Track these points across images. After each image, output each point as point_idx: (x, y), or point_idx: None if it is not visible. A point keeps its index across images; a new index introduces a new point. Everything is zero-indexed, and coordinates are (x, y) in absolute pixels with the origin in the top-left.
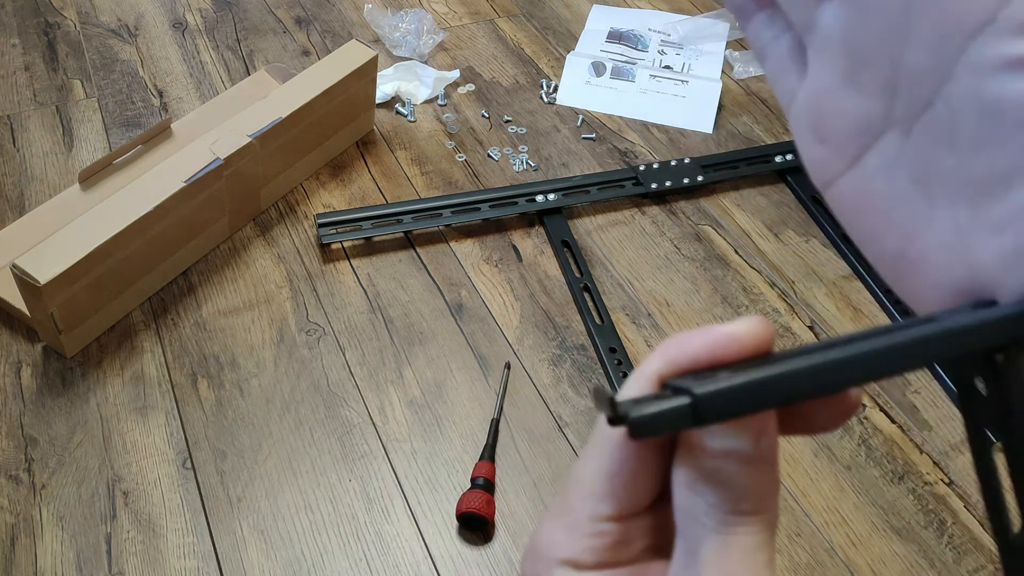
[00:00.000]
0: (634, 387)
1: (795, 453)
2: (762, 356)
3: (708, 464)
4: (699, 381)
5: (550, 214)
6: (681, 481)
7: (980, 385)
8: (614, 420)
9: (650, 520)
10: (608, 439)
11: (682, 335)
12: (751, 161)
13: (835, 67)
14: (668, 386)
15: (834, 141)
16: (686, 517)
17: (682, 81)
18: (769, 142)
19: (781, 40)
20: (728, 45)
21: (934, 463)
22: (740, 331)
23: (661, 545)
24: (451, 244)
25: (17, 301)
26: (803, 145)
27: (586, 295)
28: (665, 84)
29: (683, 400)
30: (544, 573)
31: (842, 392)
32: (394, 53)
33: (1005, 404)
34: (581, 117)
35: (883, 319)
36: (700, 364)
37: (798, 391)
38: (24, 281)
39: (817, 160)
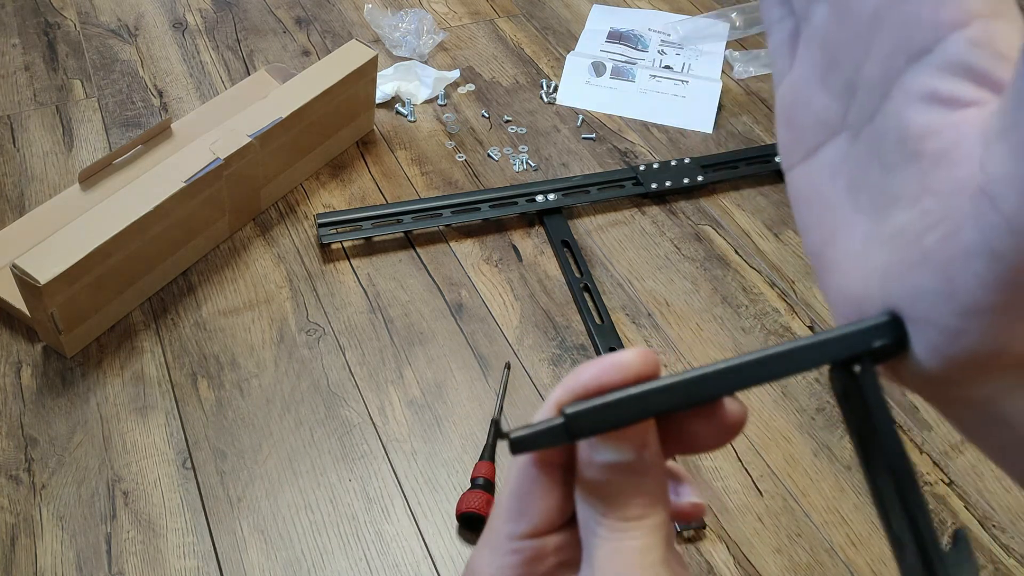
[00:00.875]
0: (541, 416)
1: (795, 453)
2: (645, 380)
3: (596, 477)
4: (579, 402)
5: (550, 214)
6: (578, 496)
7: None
8: (501, 437)
9: (565, 537)
10: (517, 464)
11: (581, 366)
12: (751, 161)
13: (813, 61)
14: (561, 411)
15: (798, 130)
16: (584, 528)
17: (682, 81)
18: (769, 142)
19: (785, 23)
20: (728, 45)
21: (934, 463)
22: (625, 360)
23: (574, 560)
24: (451, 244)
25: (17, 301)
26: (778, 127)
27: (586, 295)
28: (665, 84)
29: (558, 420)
30: None
31: (712, 407)
32: (394, 53)
33: (862, 413)
34: (581, 117)
35: None
36: (590, 391)
37: (658, 404)
38: (24, 281)
39: (783, 143)
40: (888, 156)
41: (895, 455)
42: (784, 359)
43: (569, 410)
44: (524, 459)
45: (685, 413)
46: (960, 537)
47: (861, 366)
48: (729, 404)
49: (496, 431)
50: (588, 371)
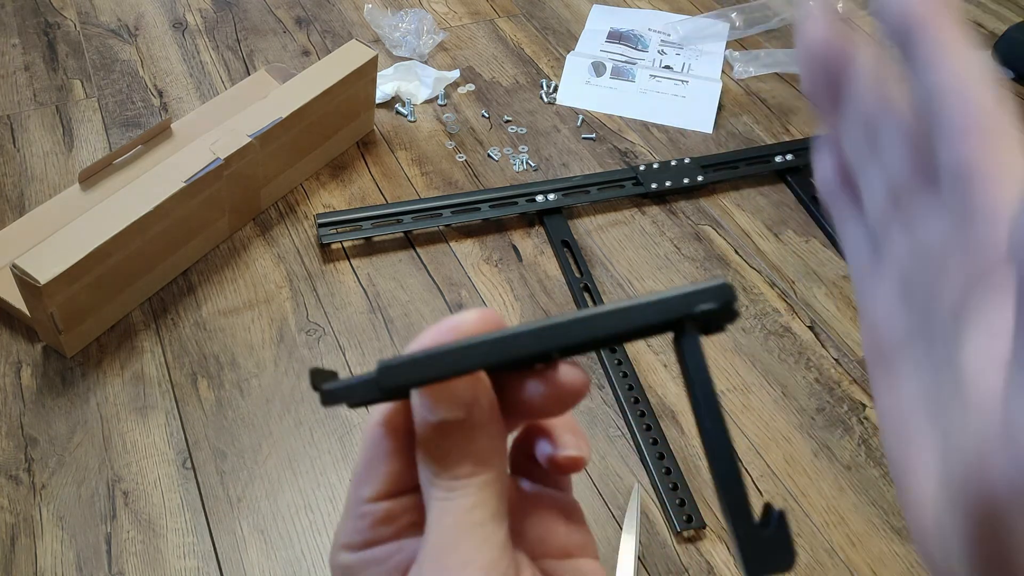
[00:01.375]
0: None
1: (795, 453)
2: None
3: (428, 436)
4: (397, 357)
5: (550, 214)
6: (417, 456)
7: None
8: (314, 389)
9: (414, 499)
10: (367, 430)
11: (425, 330)
12: (751, 161)
13: (894, 279)
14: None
15: (883, 344)
16: (423, 489)
17: (682, 81)
18: (769, 142)
19: (859, 230)
20: (728, 45)
21: None
22: (462, 321)
23: (423, 521)
24: (451, 244)
25: (17, 301)
26: (862, 333)
27: (586, 295)
28: (665, 84)
29: (372, 373)
30: (333, 559)
31: (545, 370)
32: (394, 53)
33: (686, 377)
34: (581, 117)
35: None
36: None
37: (477, 359)
38: (24, 281)
39: (866, 347)
40: (949, 389)
41: (711, 428)
42: (611, 317)
43: (383, 362)
44: (372, 424)
45: (521, 376)
46: (777, 517)
47: (684, 333)
48: (565, 370)
49: (312, 381)
50: (426, 335)
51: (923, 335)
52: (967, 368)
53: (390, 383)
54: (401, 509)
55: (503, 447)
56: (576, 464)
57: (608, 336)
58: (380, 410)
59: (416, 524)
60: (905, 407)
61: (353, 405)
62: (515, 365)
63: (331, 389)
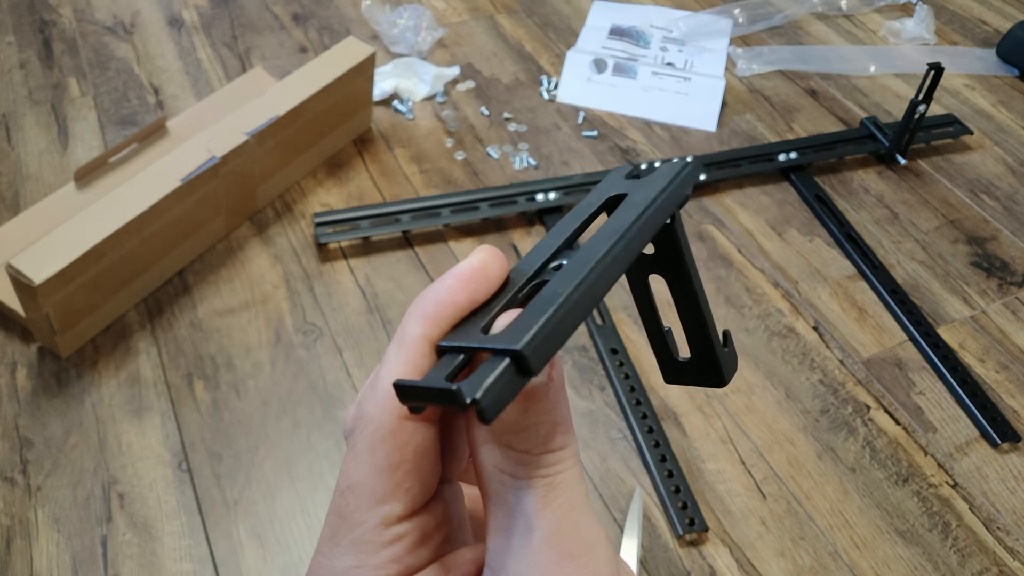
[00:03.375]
0: (400, 358)
1: (799, 456)
2: (502, 286)
3: (508, 412)
4: (473, 335)
5: (550, 213)
6: (485, 439)
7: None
8: (463, 407)
9: (444, 508)
10: (379, 434)
11: (429, 291)
12: (754, 159)
13: None
14: (445, 350)
15: None
16: (498, 476)
17: (684, 78)
18: (772, 140)
19: None
20: (731, 42)
21: (939, 465)
22: (484, 264)
23: (453, 531)
24: (450, 243)
25: (12, 301)
26: None
27: None
28: (667, 81)
29: (504, 361)
30: None
31: None
32: (392, 50)
33: (675, 251)
34: (582, 114)
35: (887, 319)
36: (464, 312)
37: (587, 309)
38: (19, 281)
39: None
40: None
41: (701, 290)
42: (640, 229)
43: (523, 345)
44: (390, 420)
45: None
46: (728, 336)
47: (675, 219)
48: None
49: (458, 402)
50: (451, 290)
51: None
52: None
53: (536, 364)
54: (435, 522)
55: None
56: None
57: (642, 246)
58: (397, 402)
59: (449, 539)
60: None
61: (497, 412)
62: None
63: (489, 399)
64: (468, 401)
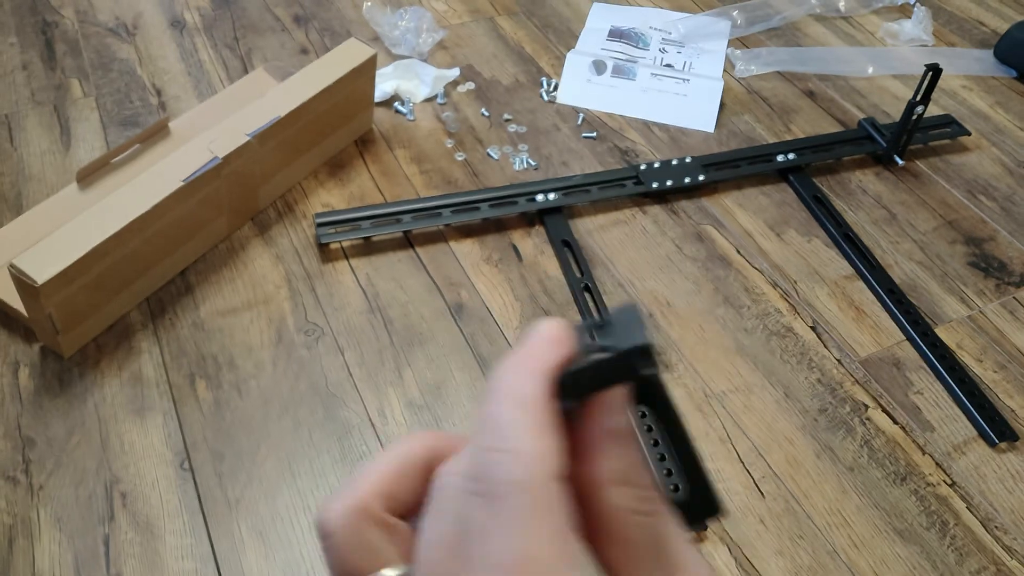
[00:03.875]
0: (525, 415)
1: (798, 455)
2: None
3: (631, 449)
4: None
5: (550, 213)
6: (610, 479)
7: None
8: (632, 373)
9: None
10: (542, 497)
11: (516, 360)
12: (753, 160)
13: None
14: (574, 376)
15: None
16: (624, 518)
17: (683, 80)
18: (771, 141)
19: None
20: (730, 43)
21: (936, 464)
22: (559, 327)
23: None
24: (451, 244)
25: (15, 301)
26: None
27: (587, 295)
28: (666, 83)
29: (619, 357)
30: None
31: None
32: (393, 51)
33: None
34: (582, 116)
35: (885, 319)
36: (571, 358)
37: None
38: (21, 281)
39: None
40: None
41: (684, 431)
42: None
43: (643, 343)
44: (552, 482)
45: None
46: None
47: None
48: None
49: (646, 355)
50: (555, 351)
51: None
52: None
53: (647, 370)
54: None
55: None
56: None
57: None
58: (555, 459)
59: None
60: None
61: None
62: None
63: (650, 368)
64: (645, 363)
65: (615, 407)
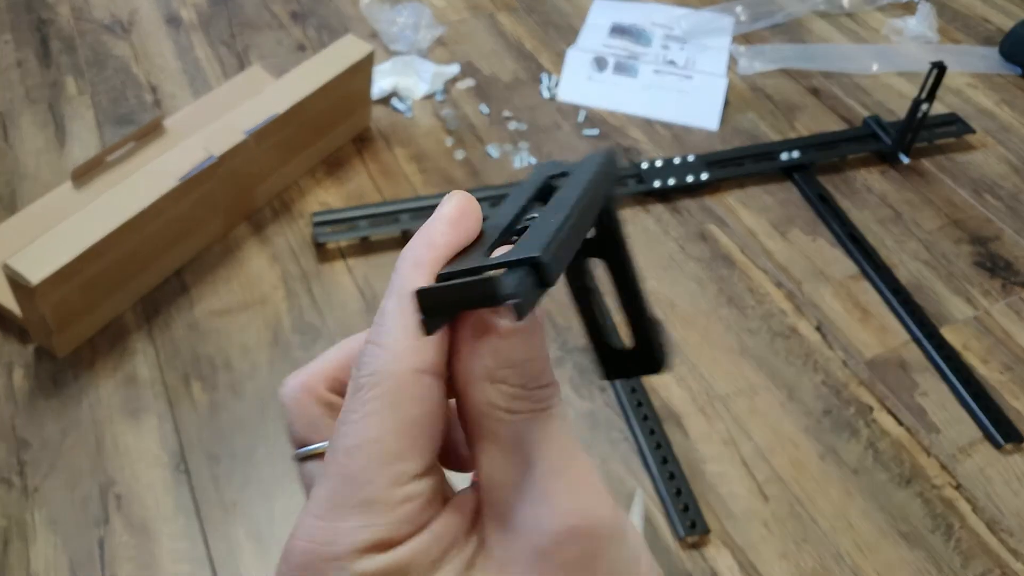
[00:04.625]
0: (402, 310)
1: (802, 458)
2: (478, 237)
3: (504, 347)
4: (477, 261)
5: None
6: (479, 375)
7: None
8: (496, 299)
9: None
10: (396, 389)
11: (416, 239)
12: (757, 158)
13: None
14: (450, 276)
15: None
16: (493, 413)
17: (686, 76)
18: (775, 139)
19: None
20: (733, 40)
21: (942, 466)
22: (466, 204)
23: (446, 492)
24: None
25: (9, 301)
26: None
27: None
28: (669, 80)
29: (525, 268)
30: (339, 571)
31: None
32: (391, 48)
33: (613, 233)
34: (583, 113)
35: (890, 320)
36: (454, 253)
37: (584, 230)
38: (15, 281)
39: None
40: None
41: (637, 277)
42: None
43: (539, 253)
44: (412, 373)
45: None
46: (658, 323)
47: (610, 198)
48: None
49: (488, 290)
50: (441, 234)
51: None
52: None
53: (555, 272)
54: (441, 480)
55: None
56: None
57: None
58: (415, 355)
59: (444, 498)
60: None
61: (526, 311)
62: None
63: (520, 293)
64: (506, 293)
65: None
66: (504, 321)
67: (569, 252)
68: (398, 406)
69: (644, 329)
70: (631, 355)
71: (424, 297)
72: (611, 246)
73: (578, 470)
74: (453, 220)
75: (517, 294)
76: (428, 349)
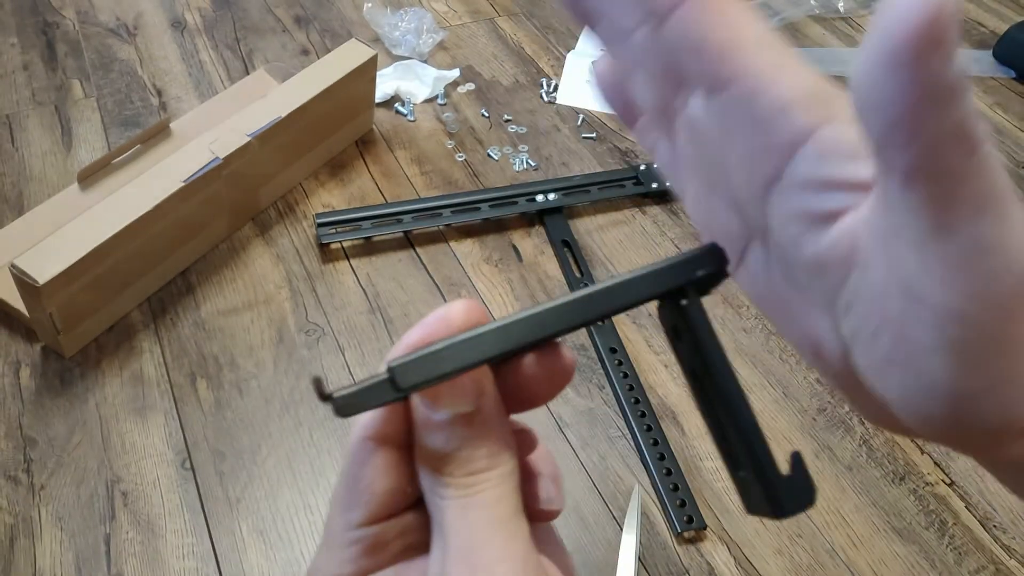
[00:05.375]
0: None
1: None
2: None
3: (435, 435)
4: (406, 354)
5: (550, 214)
6: (419, 462)
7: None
8: (324, 399)
9: (409, 520)
10: (350, 448)
11: (413, 326)
12: None
13: (699, 180)
14: (386, 364)
15: (719, 238)
16: (430, 496)
17: None
18: None
19: (663, 145)
20: None
21: (935, 463)
22: (450, 312)
23: (422, 541)
24: (451, 244)
25: (16, 301)
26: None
27: None
28: None
29: (382, 374)
30: None
31: (548, 352)
32: (393, 52)
33: (693, 346)
34: (582, 116)
35: None
36: (417, 348)
37: (490, 347)
38: (23, 281)
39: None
40: (797, 274)
41: (729, 385)
42: (610, 294)
43: (395, 361)
44: (357, 439)
45: (516, 364)
46: (796, 460)
47: (688, 299)
48: (561, 352)
49: (318, 392)
50: (414, 332)
51: (748, 225)
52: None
53: (407, 383)
54: (395, 532)
55: (512, 438)
56: (553, 517)
57: (611, 312)
58: (364, 423)
59: (412, 547)
60: (776, 290)
61: (364, 410)
62: (523, 351)
63: (344, 397)
64: (327, 395)
65: (447, 396)
66: (432, 413)
67: (445, 367)
68: (347, 467)
69: (758, 462)
70: (772, 482)
71: (315, 384)
72: (697, 357)
73: (482, 558)
74: (425, 323)
75: (337, 401)
76: (376, 420)
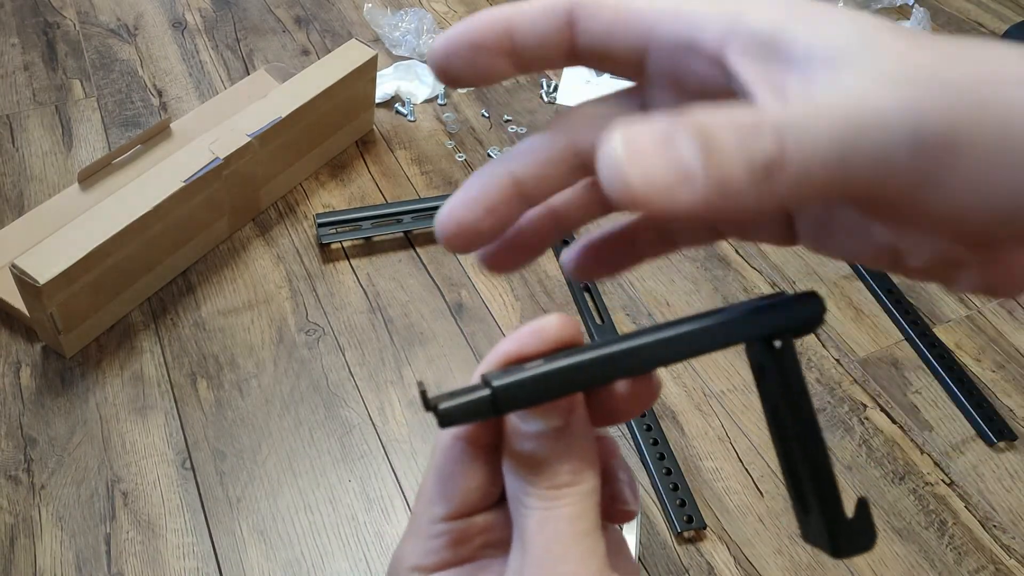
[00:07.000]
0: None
1: None
2: (570, 348)
3: (525, 447)
4: (505, 373)
5: None
6: (506, 468)
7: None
8: (428, 409)
9: (492, 517)
10: (439, 444)
11: (504, 338)
12: None
13: None
14: (483, 380)
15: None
16: (513, 501)
17: None
18: None
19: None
20: None
21: (935, 463)
22: (544, 326)
23: (503, 540)
24: None
25: (16, 301)
26: None
27: (586, 295)
28: None
29: (484, 391)
30: None
31: (640, 379)
32: (394, 52)
33: (781, 387)
34: None
35: (884, 319)
36: (511, 360)
37: (588, 377)
38: (23, 281)
39: None
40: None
41: (811, 429)
42: (710, 334)
43: (496, 382)
44: (447, 438)
45: (608, 386)
46: (862, 505)
47: (782, 341)
48: (648, 379)
49: (423, 401)
50: (507, 343)
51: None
52: None
53: (508, 407)
54: (478, 528)
55: (596, 456)
56: (630, 517)
57: (709, 350)
58: (460, 430)
59: (492, 544)
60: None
61: (464, 423)
62: (614, 380)
63: (448, 409)
64: (431, 407)
65: (539, 412)
66: (523, 425)
67: (546, 392)
68: (436, 463)
69: (832, 494)
70: (836, 524)
71: (422, 395)
72: (783, 395)
73: (562, 571)
74: (519, 334)
75: (440, 411)
76: (473, 425)
